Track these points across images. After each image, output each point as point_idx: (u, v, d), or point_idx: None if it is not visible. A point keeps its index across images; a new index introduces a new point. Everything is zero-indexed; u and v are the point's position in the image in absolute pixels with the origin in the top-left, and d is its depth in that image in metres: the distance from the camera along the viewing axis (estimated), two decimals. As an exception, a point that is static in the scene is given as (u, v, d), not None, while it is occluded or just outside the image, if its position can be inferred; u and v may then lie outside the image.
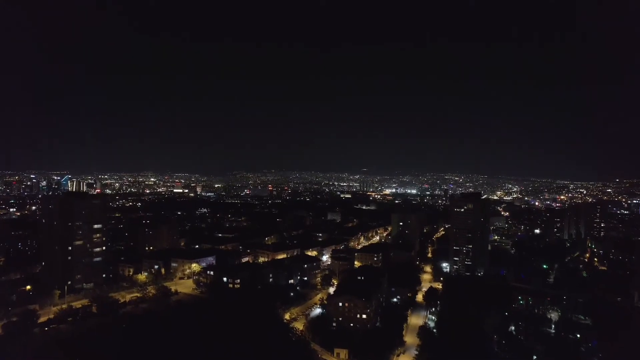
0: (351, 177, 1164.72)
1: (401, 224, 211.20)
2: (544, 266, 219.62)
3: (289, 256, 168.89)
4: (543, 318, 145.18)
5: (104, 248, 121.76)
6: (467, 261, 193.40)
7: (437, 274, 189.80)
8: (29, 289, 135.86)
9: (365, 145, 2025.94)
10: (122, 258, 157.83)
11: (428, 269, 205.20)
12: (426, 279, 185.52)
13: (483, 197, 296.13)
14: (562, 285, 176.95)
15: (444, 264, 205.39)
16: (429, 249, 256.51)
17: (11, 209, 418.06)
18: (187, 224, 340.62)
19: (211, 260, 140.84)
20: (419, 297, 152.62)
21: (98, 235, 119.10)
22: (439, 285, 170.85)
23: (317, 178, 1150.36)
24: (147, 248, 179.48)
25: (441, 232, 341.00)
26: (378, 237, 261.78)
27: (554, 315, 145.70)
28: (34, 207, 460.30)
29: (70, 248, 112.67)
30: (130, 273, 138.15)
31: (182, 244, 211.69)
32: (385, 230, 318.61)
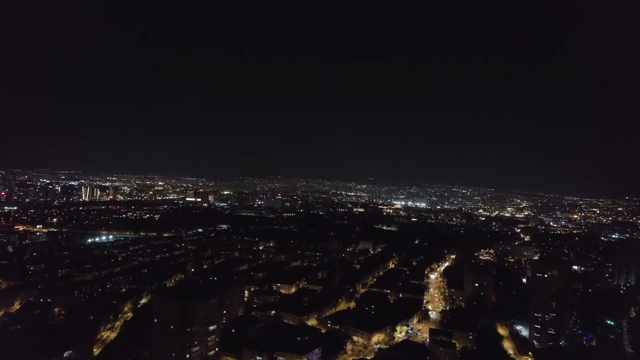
0: (358, 186, 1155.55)
1: (476, 285, 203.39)
2: (609, 322, 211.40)
3: (384, 337, 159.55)
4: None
5: (217, 349, 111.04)
6: (550, 330, 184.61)
7: (520, 344, 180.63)
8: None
9: (371, 154, 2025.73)
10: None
11: (502, 331, 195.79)
12: (508, 347, 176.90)
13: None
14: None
15: (519, 327, 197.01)
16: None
17: (37, 226, 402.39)
18: (221, 253, 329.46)
19: (317, 353, 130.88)
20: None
21: (213, 337, 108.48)
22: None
23: (324, 187, 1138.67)
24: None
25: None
26: (432, 289, 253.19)
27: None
28: (54, 219, 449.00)
29: (188, 356, 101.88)
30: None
31: (248, 297, 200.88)
32: (431, 270, 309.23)
